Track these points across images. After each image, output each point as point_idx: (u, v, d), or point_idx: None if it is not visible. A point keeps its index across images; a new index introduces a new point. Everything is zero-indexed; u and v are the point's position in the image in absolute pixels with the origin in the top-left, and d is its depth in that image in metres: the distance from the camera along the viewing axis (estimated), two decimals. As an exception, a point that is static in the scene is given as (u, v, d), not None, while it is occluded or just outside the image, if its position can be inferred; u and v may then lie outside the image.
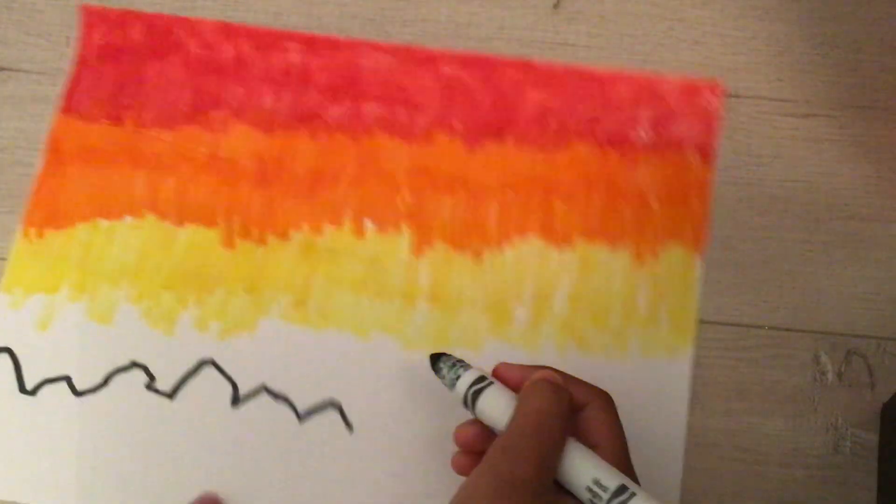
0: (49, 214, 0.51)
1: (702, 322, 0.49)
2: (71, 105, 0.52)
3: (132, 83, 0.52)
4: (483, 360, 0.47)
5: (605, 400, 0.40)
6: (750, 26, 0.54)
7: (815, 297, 0.50)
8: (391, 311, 0.49)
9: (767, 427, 0.49)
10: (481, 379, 0.41)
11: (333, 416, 0.47)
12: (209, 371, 0.48)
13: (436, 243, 0.50)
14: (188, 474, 0.47)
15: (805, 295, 0.50)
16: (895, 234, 0.51)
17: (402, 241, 0.50)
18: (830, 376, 0.49)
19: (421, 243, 0.50)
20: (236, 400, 0.48)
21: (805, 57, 0.54)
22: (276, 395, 0.48)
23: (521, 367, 0.42)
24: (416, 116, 0.52)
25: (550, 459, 0.37)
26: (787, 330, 0.50)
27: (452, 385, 0.42)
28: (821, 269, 0.51)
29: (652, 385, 0.48)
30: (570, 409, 0.39)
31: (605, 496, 0.36)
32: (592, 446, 0.38)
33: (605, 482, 0.36)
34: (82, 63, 0.53)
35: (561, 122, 0.51)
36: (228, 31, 0.53)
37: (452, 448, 0.43)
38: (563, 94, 0.52)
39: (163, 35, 0.53)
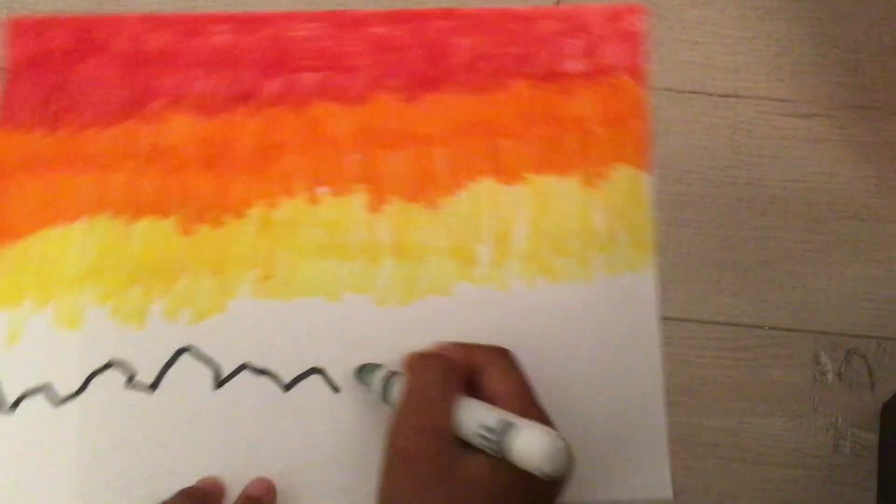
0: (0, 230, 0.51)
1: (702, 322, 0.50)
2: (6, 118, 0.52)
3: (64, 87, 0.52)
4: (456, 304, 0.50)
5: (500, 356, 0.44)
6: (750, 26, 0.55)
7: (815, 297, 0.51)
8: (358, 270, 0.50)
9: (767, 427, 0.50)
10: (393, 373, 0.45)
11: (318, 380, 0.48)
12: (188, 358, 0.49)
13: (391, 199, 0.51)
14: (182, 462, 0.48)
15: (805, 295, 0.51)
16: (895, 234, 0.52)
17: (358, 201, 0.51)
18: (830, 376, 0.50)
19: (376, 201, 0.51)
20: (219, 382, 0.49)
21: (805, 57, 0.54)
22: (258, 371, 0.49)
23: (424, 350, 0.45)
24: (352, 79, 0.52)
25: (435, 424, 0.40)
26: (787, 330, 0.51)
27: (371, 385, 0.47)
28: (821, 269, 0.51)
29: (621, 301, 0.50)
30: (451, 373, 0.42)
31: (493, 437, 0.38)
32: (492, 400, 0.41)
33: (490, 425, 0.39)
34: (12, 75, 0.53)
35: (493, 64, 0.53)
36: (152, 22, 0.53)
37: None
38: (492, 36, 0.53)
39: (88, 36, 0.53)
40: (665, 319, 0.50)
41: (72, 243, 0.50)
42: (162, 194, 0.51)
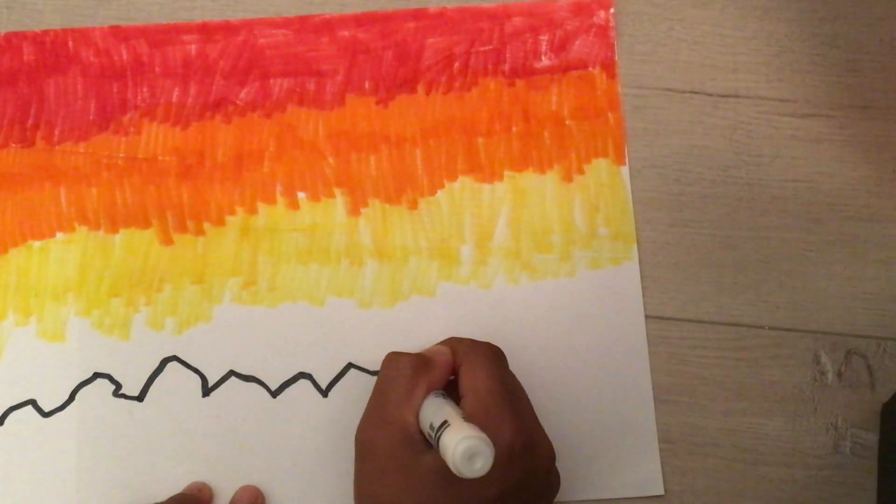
0: (-21, 245, 0.54)
1: (702, 322, 0.53)
2: (-22, 136, 0.56)
3: (35, 103, 0.56)
4: (440, 305, 0.53)
5: (479, 352, 0.47)
6: (750, 26, 0.57)
7: (815, 297, 0.53)
8: (340, 274, 0.53)
9: (767, 427, 0.52)
10: None
11: (305, 385, 0.52)
12: (174, 367, 0.52)
13: (370, 201, 0.54)
14: (172, 470, 0.51)
15: (805, 295, 0.53)
16: (895, 234, 0.54)
17: (337, 205, 0.54)
18: (830, 376, 0.52)
19: (356, 204, 0.54)
20: (207, 390, 0.52)
21: (805, 57, 0.56)
22: (245, 378, 0.52)
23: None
24: (324, 84, 0.56)
25: (396, 418, 0.44)
26: (787, 330, 0.53)
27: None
28: (821, 269, 0.54)
29: (605, 296, 0.53)
30: (418, 371, 0.46)
31: (434, 434, 0.42)
32: (461, 396, 0.45)
33: (434, 423, 0.42)
34: (-17, 91, 0.56)
35: (465, 63, 0.56)
36: (120, 33, 0.56)
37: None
38: (462, 35, 0.57)
39: (56, 50, 0.56)
40: (665, 319, 0.53)
41: (51, 257, 0.54)
42: (140, 205, 0.54)
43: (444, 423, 0.41)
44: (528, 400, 0.47)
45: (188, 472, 0.51)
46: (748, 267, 0.54)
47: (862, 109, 0.56)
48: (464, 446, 0.39)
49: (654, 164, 0.55)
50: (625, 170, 0.55)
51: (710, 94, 0.56)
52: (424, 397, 0.45)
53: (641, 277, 0.53)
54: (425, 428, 0.43)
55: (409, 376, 0.45)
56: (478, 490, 0.42)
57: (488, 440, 0.39)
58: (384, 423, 0.45)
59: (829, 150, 0.55)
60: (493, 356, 0.47)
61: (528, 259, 0.54)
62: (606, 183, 0.55)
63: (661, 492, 0.51)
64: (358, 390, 0.52)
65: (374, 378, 0.51)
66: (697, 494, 0.51)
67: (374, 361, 0.51)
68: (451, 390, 0.47)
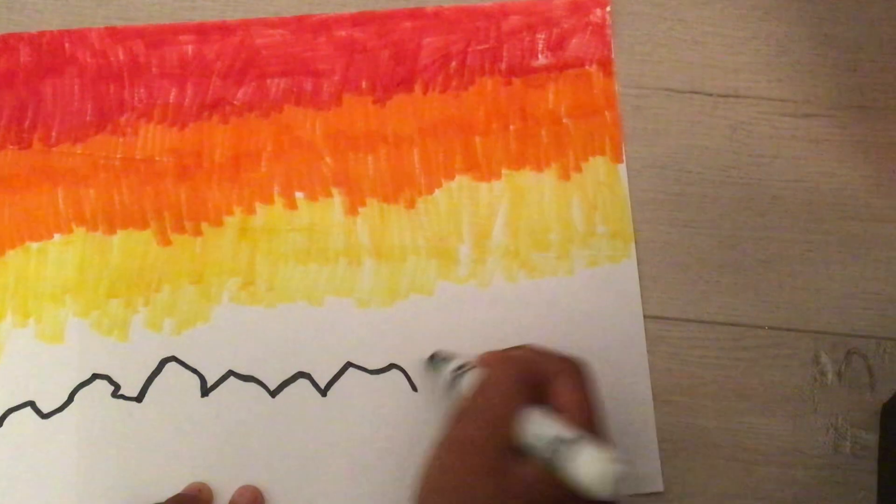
0: (-24, 247, 0.54)
1: (702, 322, 0.53)
2: (-24, 138, 0.56)
3: (32, 104, 0.56)
4: (438, 304, 0.54)
5: (573, 367, 0.46)
6: (750, 26, 0.57)
7: (815, 297, 0.54)
8: (339, 273, 0.54)
9: (767, 427, 0.52)
10: (463, 366, 0.48)
11: (304, 385, 0.52)
12: (173, 367, 0.52)
13: (368, 201, 0.55)
14: (172, 470, 0.51)
15: (805, 295, 0.54)
16: (895, 234, 0.55)
17: (335, 204, 0.55)
18: (830, 376, 0.52)
19: (353, 203, 0.55)
20: (206, 390, 0.52)
21: (805, 57, 0.57)
22: (244, 378, 0.52)
23: (504, 350, 0.49)
24: (321, 83, 0.57)
25: (495, 422, 0.43)
26: (787, 330, 0.53)
27: (440, 373, 0.50)
28: (821, 269, 0.54)
29: (603, 293, 0.54)
30: (523, 379, 0.45)
31: (549, 449, 0.41)
32: (558, 411, 0.44)
33: (548, 437, 0.42)
34: (-20, 93, 0.57)
35: (462, 62, 0.57)
36: (117, 34, 0.57)
37: (420, 398, 0.52)
38: (459, 34, 0.57)
39: (53, 51, 0.57)
40: (665, 319, 0.53)
41: (49, 258, 0.54)
42: (138, 206, 0.55)
43: (564, 439, 0.41)
44: None
45: (188, 473, 0.51)
46: (748, 267, 0.54)
47: (862, 109, 0.56)
48: (613, 470, 0.39)
49: (654, 164, 0.56)
50: (622, 168, 0.55)
51: (710, 94, 0.56)
52: (526, 405, 0.44)
53: (642, 277, 0.54)
54: (531, 439, 0.43)
55: (518, 383, 0.44)
56: None
57: (625, 463, 0.40)
58: (489, 426, 0.44)
59: (829, 150, 0.56)
60: (588, 374, 0.46)
61: (527, 257, 0.54)
62: (604, 181, 0.55)
63: (660, 488, 0.51)
64: (357, 389, 0.52)
65: (373, 377, 0.52)
66: (697, 494, 0.52)
67: (373, 361, 0.53)
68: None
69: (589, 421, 0.44)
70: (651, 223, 0.55)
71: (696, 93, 0.57)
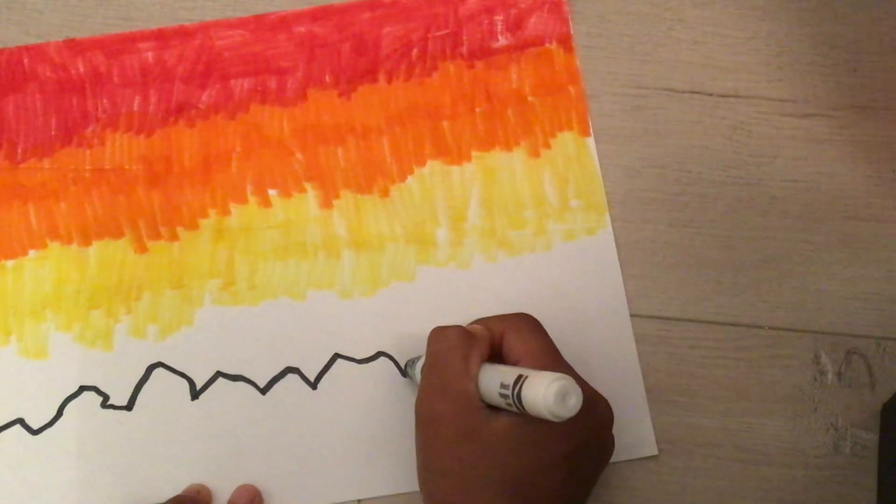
0: (-49, 269, 0.54)
1: (702, 322, 0.54)
2: (-59, 158, 0.56)
3: (-4, 121, 0.56)
4: (420, 288, 0.54)
5: (519, 320, 0.48)
6: (750, 26, 0.58)
7: (815, 297, 0.54)
8: (319, 267, 0.54)
9: (767, 427, 0.52)
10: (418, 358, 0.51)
11: (294, 380, 0.53)
12: (160, 373, 0.53)
13: (341, 193, 0.55)
14: (167, 475, 0.51)
15: (805, 295, 0.54)
16: (895, 234, 0.55)
17: (309, 199, 0.55)
18: (830, 376, 0.53)
19: (327, 197, 0.55)
20: (196, 393, 0.52)
21: (805, 57, 0.57)
22: (232, 378, 0.53)
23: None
24: (285, 81, 0.57)
25: (456, 387, 0.45)
26: (787, 330, 0.53)
27: (412, 376, 0.52)
28: (821, 269, 0.54)
29: (583, 265, 0.54)
30: (468, 340, 0.46)
31: (509, 392, 0.43)
32: (515, 362, 0.46)
33: (506, 381, 0.43)
34: (-58, 114, 0.56)
35: (423, 48, 0.57)
36: (75, 46, 0.57)
37: (411, 383, 0.52)
38: (418, 22, 0.58)
39: (11, 68, 0.57)
40: (665, 319, 0.54)
41: (26, 275, 0.54)
42: (111, 216, 0.55)
43: (521, 378, 0.42)
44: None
45: (184, 477, 0.51)
46: (748, 267, 0.54)
47: (862, 109, 0.57)
48: (556, 386, 0.40)
49: (654, 164, 0.56)
50: (590, 140, 0.56)
51: (710, 94, 0.57)
52: (479, 366, 0.45)
53: (641, 278, 0.54)
54: (492, 392, 0.44)
55: (462, 347, 0.46)
56: (547, 448, 0.44)
57: (571, 379, 0.41)
58: (446, 395, 0.45)
59: (829, 150, 0.56)
60: (533, 322, 0.48)
61: (504, 236, 0.55)
62: (574, 155, 0.56)
63: (654, 452, 0.52)
64: (346, 380, 0.53)
65: (361, 367, 0.53)
66: (697, 494, 0.52)
67: (360, 350, 0.53)
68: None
69: (546, 363, 0.45)
70: (651, 223, 0.55)
71: (696, 93, 0.57)
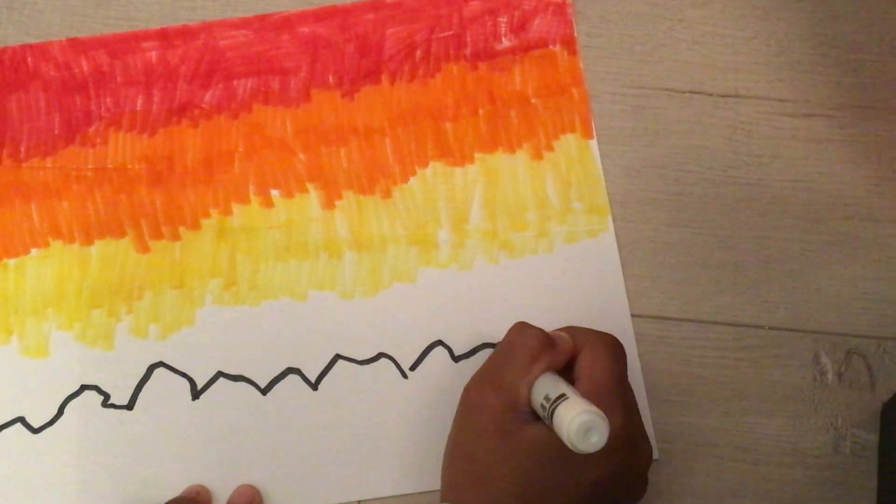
0: (-46, 268, 0.54)
1: (702, 322, 0.54)
2: (-57, 157, 0.56)
3: (-1, 120, 0.56)
4: (422, 290, 0.54)
5: (599, 341, 0.47)
6: (750, 26, 0.58)
7: (815, 297, 0.54)
8: (320, 268, 0.54)
9: (767, 427, 0.52)
10: None
11: (295, 380, 0.53)
12: (162, 373, 0.53)
13: (344, 193, 0.55)
14: (168, 475, 0.52)
15: (805, 295, 0.54)
16: (895, 234, 0.55)
17: (311, 199, 0.55)
18: (830, 376, 0.53)
19: (330, 197, 0.55)
20: (196, 393, 0.52)
21: (805, 57, 0.57)
22: (233, 378, 0.53)
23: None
24: (288, 81, 0.57)
25: (510, 386, 0.45)
26: (787, 330, 0.53)
27: None
28: (821, 269, 0.54)
29: (585, 268, 0.54)
30: (544, 347, 0.45)
31: (548, 406, 0.43)
32: (576, 379, 0.45)
33: (550, 395, 0.43)
34: (-54, 113, 0.57)
35: (427, 50, 0.58)
36: (78, 46, 0.57)
37: (411, 384, 0.52)
38: (422, 23, 0.58)
39: (15, 66, 0.57)
40: (665, 319, 0.54)
41: (28, 274, 0.54)
42: (113, 215, 0.55)
43: (562, 397, 0.42)
44: (637, 404, 0.47)
45: (184, 477, 0.51)
46: (748, 267, 0.54)
47: (862, 109, 0.57)
48: (581, 419, 0.40)
49: (654, 164, 0.56)
50: (593, 143, 0.56)
51: (710, 94, 0.57)
52: (542, 373, 0.45)
53: (641, 278, 0.54)
54: (537, 401, 0.44)
55: (534, 348, 0.45)
56: (573, 472, 0.43)
57: (605, 417, 0.40)
58: (497, 387, 0.45)
59: (829, 150, 0.56)
60: (615, 349, 0.47)
61: (506, 238, 0.55)
62: (576, 157, 0.56)
63: (655, 455, 0.52)
64: (347, 381, 0.53)
65: (362, 367, 0.53)
66: (697, 494, 0.52)
67: (361, 351, 0.53)
68: (566, 377, 0.46)
69: (605, 391, 0.44)
70: (651, 223, 0.55)
71: (696, 93, 0.57)
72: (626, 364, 0.47)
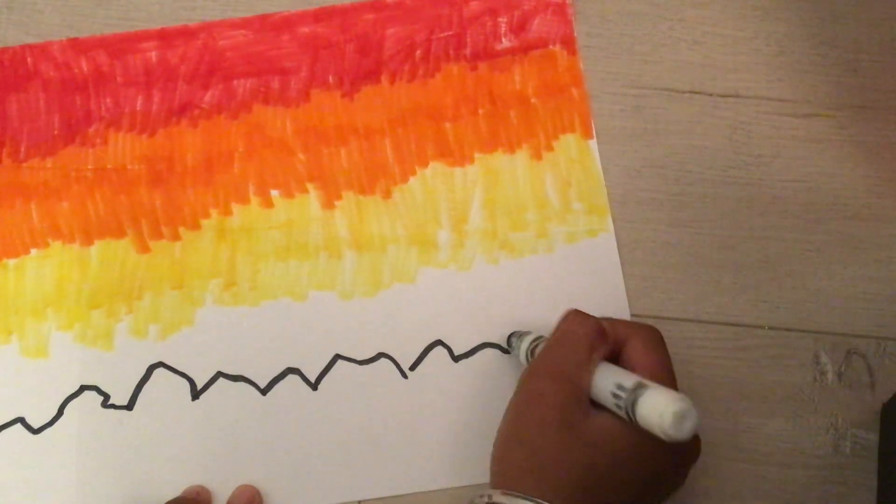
0: (-47, 268, 0.54)
1: (702, 322, 0.54)
2: (-57, 156, 0.56)
3: (-2, 120, 0.56)
4: (421, 290, 0.54)
5: (645, 331, 0.47)
6: (750, 26, 0.58)
7: (815, 297, 0.54)
8: (320, 268, 0.54)
9: (767, 427, 0.52)
10: (539, 337, 0.50)
11: (294, 380, 0.53)
12: (161, 373, 0.53)
13: (343, 193, 0.55)
14: (168, 475, 0.51)
15: (805, 295, 0.54)
16: (895, 234, 0.55)
17: (311, 200, 0.55)
18: (830, 376, 0.53)
19: (329, 197, 0.55)
20: (196, 393, 0.52)
21: (805, 57, 0.57)
22: (233, 378, 0.53)
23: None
24: (288, 81, 0.57)
25: (572, 375, 0.44)
26: (787, 330, 0.53)
27: (516, 350, 0.51)
28: (821, 269, 0.54)
29: (585, 268, 0.54)
30: (600, 336, 0.45)
31: (624, 395, 0.42)
32: (632, 370, 0.44)
33: (624, 384, 0.42)
34: (-58, 113, 0.57)
35: (426, 50, 0.58)
36: (78, 46, 0.57)
37: (411, 384, 0.52)
38: (421, 23, 0.58)
39: (15, 66, 0.57)
40: (665, 319, 0.54)
41: (28, 274, 0.54)
42: (113, 215, 0.55)
43: (641, 386, 0.41)
44: None
45: (184, 477, 0.51)
46: (748, 267, 0.54)
47: (862, 109, 0.57)
48: (676, 407, 0.39)
49: (654, 164, 0.56)
50: (593, 143, 0.56)
51: (710, 94, 0.57)
52: (600, 362, 0.45)
53: (642, 278, 0.54)
54: (605, 391, 0.43)
55: (593, 337, 0.45)
56: (638, 463, 0.43)
57: (694, 405, 0.39)
58: (560, 378, 0.44)
59: (829, 150, 0.56)
60: (660, 337, 0.47)
61: (505, 238, 0.55)
62: (576, 157, 0.56)
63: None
64: (347, 381, 0.53)
65: (362, 367, 0.53)
66: (697, 494, 0.52)
67: (361, 351, 0.53)
68: None
69: (658, 379, 0.44)
70: (651, 223, 0.55)
71: (696, 93, 0.57)
72: (669, 354, 0.47)
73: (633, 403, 0.41)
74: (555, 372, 0.45)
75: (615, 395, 0.42)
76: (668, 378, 0.45)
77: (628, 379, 0.42)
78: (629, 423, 0.42)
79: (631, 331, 0.46)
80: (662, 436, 0.39)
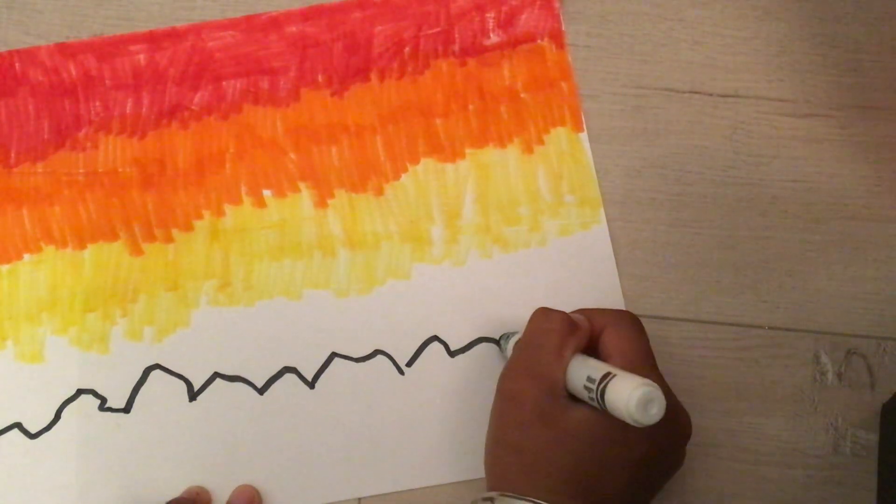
0: (-54, 275, 0.54)
1: (702, 322, 0.54)
2: (-67, 163, 0.56)
3: (-13, 126, 0.56)
4: (416, 286, 0.54)
5: (621, 318, 0.47)
6: (750, 26, 0.58)
7: (815, 297, 0.54)
8: (314, 266, 0.54)
9: (767, 427, 0.52)
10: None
11: (292, 379, 0.53)
12: (158, 375, 0.53)
13: (336, 192, 0.56)
14: (167, 477, 0.52)
15: (805, 295, 0.54)
16: (895, 234, 0.55)
17: (303, 199, 0.55)
18: (830, 376, 0.53)
19: (322, 196, 0.55)
20: (193, 394, 0.52)
21: (805, 57, 0.57)
22: (230, 378, 0.53)
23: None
24: (277, 81, 0.57)
25: (545, 371, 0.45)
26: (787, 330, 0.53)
27: (505, 351, 0.52)
28: (821, 269, 0.54)
29: (578, 261, 0.55)
30: (570, 329, 0.46)
31: (594, 387, 0.42)
32: (608, 357, 0.45)
33: (593, 375, 0.43)
34: (-66, 120, 0.57)
35: (415, 47, 0.58)
36: (66, 50, 0.57)
37: (408, 380, 0.52)
38: (409, 20, 0.58)
39: (3, 72, 0.57)
40: (665, 319, 0.54)
41: (21, 279, 0.54)
42: (105, 219, 0.55)
43: (608, 375, 0.42)
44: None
45: (183, 478, 0.51)
46: (748, 267, 0.55)
47: (862, 109, 0.57)
48: (640, 393, 0.39)
49: (654, 164, 0.56)
50: (584, 136, 0.56)
51: (710, 94, 0.57)
52: (572, 355, 0.45)
53: (642, 278, 0.55)
54: (578, 384, 0.44)
55: (562, 332, 0.46)
56: (622, 448, 0.43)
57: (659, 388, 0.40)
58: (533, 376, 0.45)
59: (829, 150, 0.56)
60: (638, 324, 0.47)
61: (499, 233, 0.55)
62: (567, 151, 0.56)
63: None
64: (344, 379, 0.53)
65: (359, 365, 0.53)
66: (697, 494, 0.52)
67: (357, 349, 0.53)
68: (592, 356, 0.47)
69: (637, 363, 0.45)
70: (651, 223, 0.55)
71: (696, 93, 0.57)
72: (648, 338, 0.47)
73: (602, 393, 0.42)
74: (527, 371, 0.46)
75: (587, 388, 0.43)
76: (645, 362, 0.45)
77: (597, 370, 0.43)
78: (604, 414, 0.42)
79: (608, 319, 0.47)
80: (630, 421, 0.40)
